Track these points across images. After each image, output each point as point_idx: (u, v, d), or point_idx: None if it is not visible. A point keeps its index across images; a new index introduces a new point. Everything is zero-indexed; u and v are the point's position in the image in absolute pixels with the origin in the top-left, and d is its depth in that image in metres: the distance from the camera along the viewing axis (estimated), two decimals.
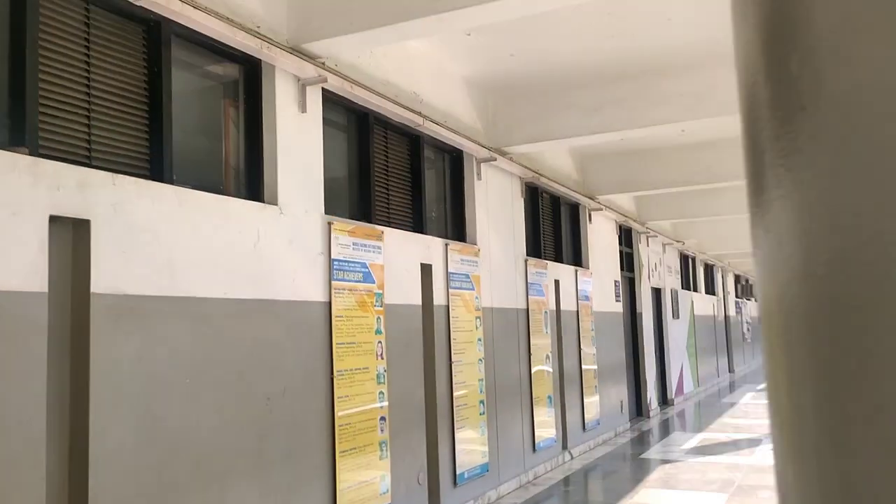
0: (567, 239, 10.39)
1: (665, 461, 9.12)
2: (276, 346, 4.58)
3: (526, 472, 8.03)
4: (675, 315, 16.22)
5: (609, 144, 10.17)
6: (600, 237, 11.41)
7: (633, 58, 6.86)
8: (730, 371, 23.48)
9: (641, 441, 11.02)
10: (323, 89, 5.24)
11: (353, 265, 5.39)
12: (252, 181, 4.78)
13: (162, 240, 3.80)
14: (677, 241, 16.30)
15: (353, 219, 5.58)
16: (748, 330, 28.72)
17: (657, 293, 15.04)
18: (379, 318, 5.61)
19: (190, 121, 4.50)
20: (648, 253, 14.39)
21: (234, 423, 4.19)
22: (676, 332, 16.20)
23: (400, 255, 6.00)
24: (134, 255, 3.63)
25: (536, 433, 8.33)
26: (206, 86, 4.77)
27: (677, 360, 16.03)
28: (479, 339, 7.16)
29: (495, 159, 7.59)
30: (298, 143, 4.97)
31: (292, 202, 4.87)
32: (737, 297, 26.70)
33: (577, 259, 10.64)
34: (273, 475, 4.46)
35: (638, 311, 13.48)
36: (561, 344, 9.36)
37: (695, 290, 19.15)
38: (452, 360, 6.64)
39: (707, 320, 20.29)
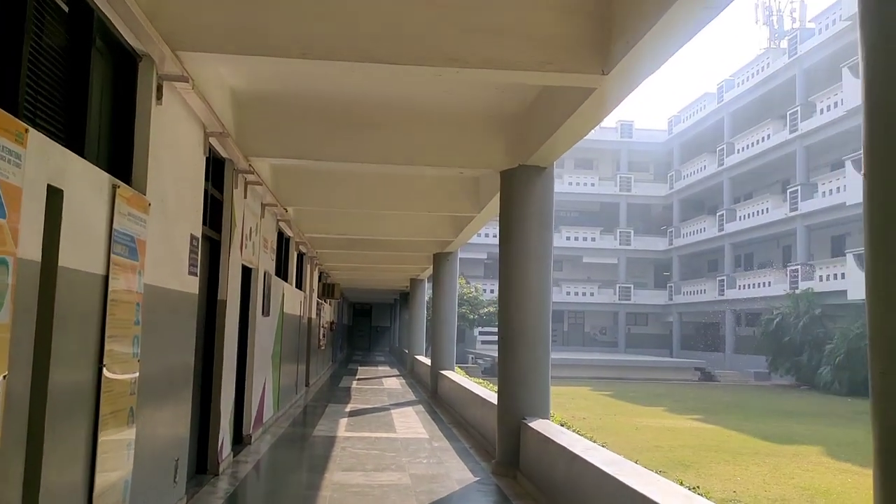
0: (98, 113, 4.68)
1: None
2: None
3: None
4: (266, 311, 11.25)
5: None
6: (176, 143, 5.88)
7: None
8: (306, 385, 19.35)
9: None
10: None
11: None
12: None
13: None
14: (281, 206, 11.39)
15: None
16: (324, 336, 25.13)
17: (248, 274, 9.91)
18: None
19: None
20: (245, 210, 9.20)
21: None
22: (264, 335, 11.23)
23: None
24: None
25: None
26: None
27: (261, 375, 11.06)
28: None
29: None
30: None
31: None
32: (319, 297, 22.86)
33: (120, 166, 4.98)
34: None
35: (220, 296, 8.18)
36: (49, 348, 3.65)
37: (286, 279, 14.46)
38: None
39: (294, 321, 15.74)
